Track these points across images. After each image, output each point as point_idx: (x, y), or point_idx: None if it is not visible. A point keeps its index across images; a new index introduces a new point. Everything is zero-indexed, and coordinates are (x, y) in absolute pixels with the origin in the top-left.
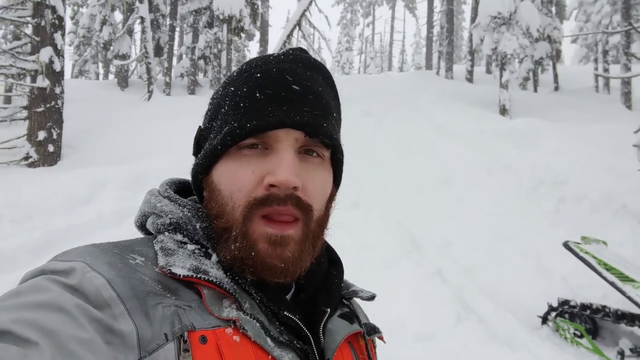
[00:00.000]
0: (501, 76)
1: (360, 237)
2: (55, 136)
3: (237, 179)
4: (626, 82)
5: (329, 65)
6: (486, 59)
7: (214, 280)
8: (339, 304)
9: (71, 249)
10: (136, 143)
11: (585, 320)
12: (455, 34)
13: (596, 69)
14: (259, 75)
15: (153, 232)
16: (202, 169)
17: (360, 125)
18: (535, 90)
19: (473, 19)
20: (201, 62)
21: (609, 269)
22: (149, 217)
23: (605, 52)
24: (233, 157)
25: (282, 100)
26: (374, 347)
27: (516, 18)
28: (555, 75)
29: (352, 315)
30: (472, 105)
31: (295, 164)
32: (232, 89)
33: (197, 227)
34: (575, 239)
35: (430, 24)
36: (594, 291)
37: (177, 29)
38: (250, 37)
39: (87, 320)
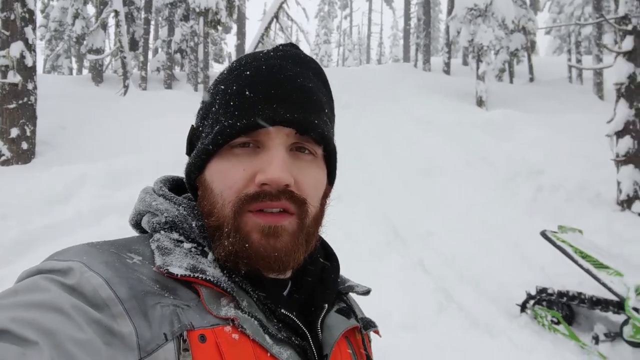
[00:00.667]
0: (478, 68)
1: (346, 229)
2: (28, 133)
3: (229, 177)
4: (598, 73)
5: None
6: (463, 51)
7: (212, 280)
8: (336, 299)
9: (67, 248)
10: (113, 139)
11: (561, 307)
12: (432, 26)
13: (569, 60)
14: (248, 73)
15: (149, 231)
16: (195, 168)
17: (340, 118)
18: (511, 82)
19: (450, 11)
20: (177, 55)
21: (585, 256)
22: (144, 216)
23: (578, 44)
24: (225, 155)
25: (272, 98)
26: (369, 340)
27: (492, 10)
28: (530, 67)
29: (349, 311)
30: (450, 97)
31: (287, 161)
32: (223, 87)
33: (193, 225)
34: (552, 228)
35: (407, 16)
36: (570, 279)
37: (152, 22)
38: (227, 30)
39: (85, 321)
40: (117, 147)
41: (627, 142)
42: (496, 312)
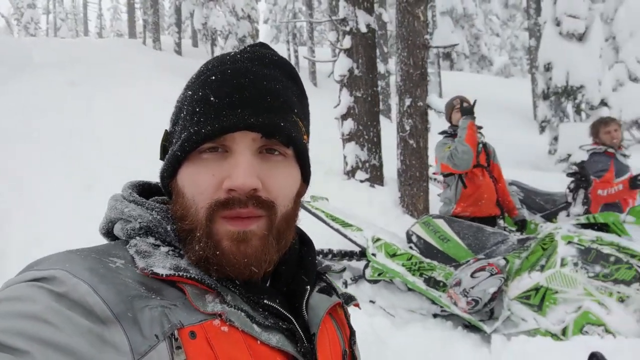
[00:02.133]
0: (212, 52)
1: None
2: None
3: (199, 182)
4: (313, 63)
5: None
6: (192, 33)
7: (196, 277)
8: (316, 279)
9: (46, 257)
10: None
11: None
12: (158, 2)
13: (288, 49)
14: (213, 78)
15: (123, 238)
16: (168, 174)
17: (69, 97)
18: None
19: None
20: None
21: (334, 219)
22: (115, 223)
23: (294, 35)
24: (194, 161)
25: (237, 103)
26: (349, 314)
27: None
28: None
29: (330, 289)
30: (187, 79)
31: (253, 165)
32: (190, 93)
33: (168, 229)
34: (306, 199)
35: None
36: (321, 239)
37: None
38: None
39: (76, 328)
40: None
41: (349, 124)
42: None
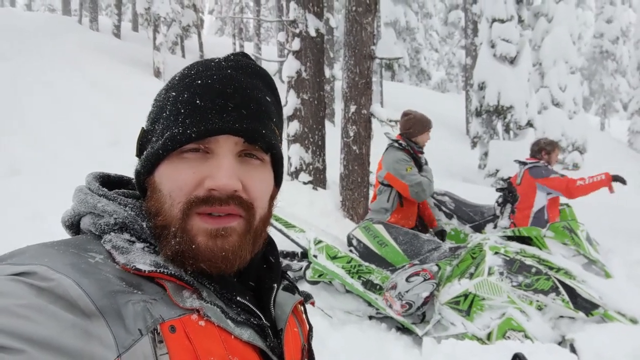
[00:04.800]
0: (155, 38)
1: (30, 206)
2: None
3: (179, 178)
4: (260, 61)
5: None
6: (133, 16)
7: (175, 274)
8: (281, 278)
9: (19, 250)
10: None
11: None
12: None
13: (234, 44)
14: (200, 82)
15: (95, 233)
16: (145, 171)
17: None
18: (184, 56)
19: None
20: None
21: (277, 219)
22: (83, 217)
23: (240, 30)
24: (175, 160)
25: (222, 108)
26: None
27: None
28: (201, 44)
29: (293, 287)
30: (126, 64)
31: (235, 167)
32: (174, 94)
33: (144, 225)
34: None
35: None
36: None
37: None
38: None
39: (61, 324)
40: None
41: (295, 125)
42: None
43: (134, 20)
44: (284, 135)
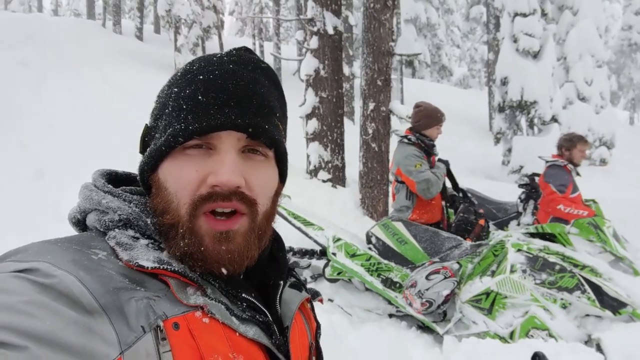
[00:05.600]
0: (176, 40)
1: (54, 208)
2: None
3: (182, 177)
4: (278, 60)
5: None
6: (155, 18)
7: (179, 270)
8: (287, 275)
9: (23, 247)
10: None
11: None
12: None
13: (254, 44)
14: (201, 77)
15: (100, 229)
16: (149, 168)
17: (19, 78)
18: None
19: None
20: None
21: (296, 217)
22: (88, 213)
23: (260, 30)
24: (178, 156)
25: (225, 103)
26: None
27: None
28: (221, 45)
29: (300, 284)
30: (148, 66)
31: (238, 163)
32: (176, 89)
33: (148, 222)
34: None
35: None
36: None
37: None
38: None
39: (64, 320)
40: None
41: (314, 124)
42: None
43: (156, 22)
44: (302, 134)
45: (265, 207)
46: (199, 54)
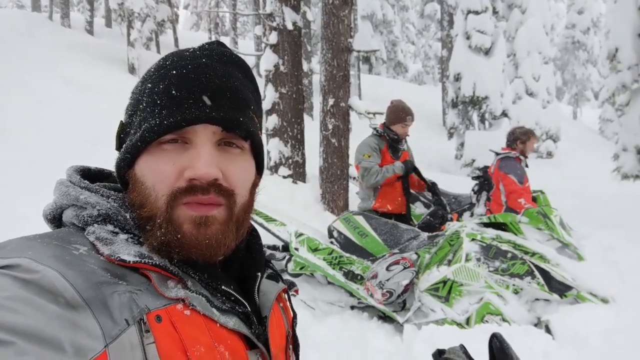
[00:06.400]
0: (129, 34)
1: (10, 207)
2: None
3: (159, 171)
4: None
5: None
6: (106, 12)
7: (160, 264)
8: (265, 267)
9: (2, 244)
10: None
11: None
12: None
13: (210, 38)
14: (175, 72)
15: (78, 225)
16: (125, 164)
17: None
18: (159, 52)
19: None
20: None
21: (257, 213)
22: (65, 210)
23: (216, 25)
24: (154, 151)
25: (198, 97)
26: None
27: None
28: (176, 39)
29: (276, 275)
30: (101, 61)
31: (214, 156)
32: (150, 85)
33: (127, 217)
34: None
35: None
36: None
37: None
38: None
39: (46, 314)
40: None
41: (274, 120)
42: None
43: (107, 16)
44: (263, 130)
45: (243, 199)
46: (153, 48)
